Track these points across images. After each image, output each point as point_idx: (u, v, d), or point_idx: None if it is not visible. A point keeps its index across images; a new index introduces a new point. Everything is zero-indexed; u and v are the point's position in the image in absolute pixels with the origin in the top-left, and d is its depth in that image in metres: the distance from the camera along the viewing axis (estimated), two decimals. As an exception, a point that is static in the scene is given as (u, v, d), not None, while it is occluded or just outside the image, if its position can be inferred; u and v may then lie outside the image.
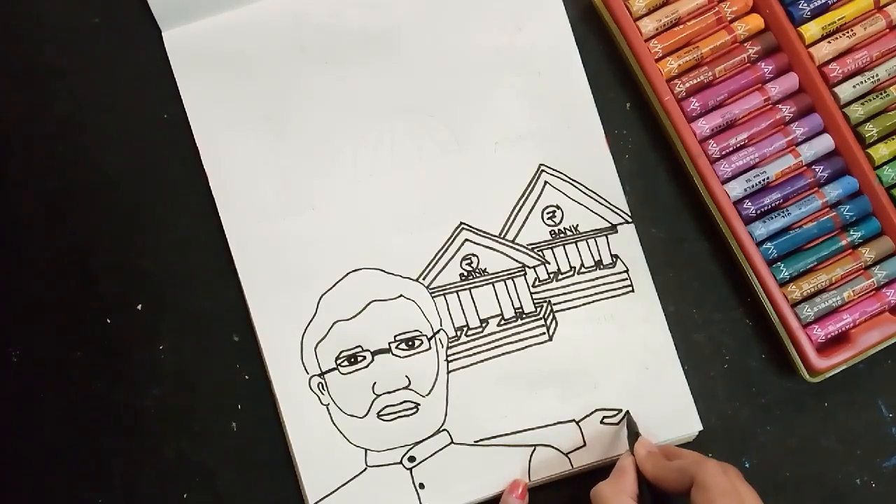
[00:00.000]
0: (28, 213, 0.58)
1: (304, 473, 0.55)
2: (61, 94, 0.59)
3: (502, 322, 0.57)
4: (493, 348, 0.57)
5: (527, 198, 0.58)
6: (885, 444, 0.57)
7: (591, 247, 0.58)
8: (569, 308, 0.57)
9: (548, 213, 0.58)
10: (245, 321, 0.57)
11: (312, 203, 0.58)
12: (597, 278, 0.58)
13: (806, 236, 0.56)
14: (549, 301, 0.57)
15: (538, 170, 0.58)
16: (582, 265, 0.58)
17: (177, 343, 0.57)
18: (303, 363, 0.56)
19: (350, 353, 0.56)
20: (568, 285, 0.58)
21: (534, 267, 0.58)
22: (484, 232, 0.58)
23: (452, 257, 0.57)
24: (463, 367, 0.56)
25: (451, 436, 0.56)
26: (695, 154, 0.56)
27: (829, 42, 0.57)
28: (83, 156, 0.58)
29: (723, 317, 0.58)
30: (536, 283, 0.57)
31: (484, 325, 0.57)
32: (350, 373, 0.56)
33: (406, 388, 0.56)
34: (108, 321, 0.57)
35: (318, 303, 0.57)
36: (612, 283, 0.57)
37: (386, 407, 0.56)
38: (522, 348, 0.57)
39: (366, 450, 0.56)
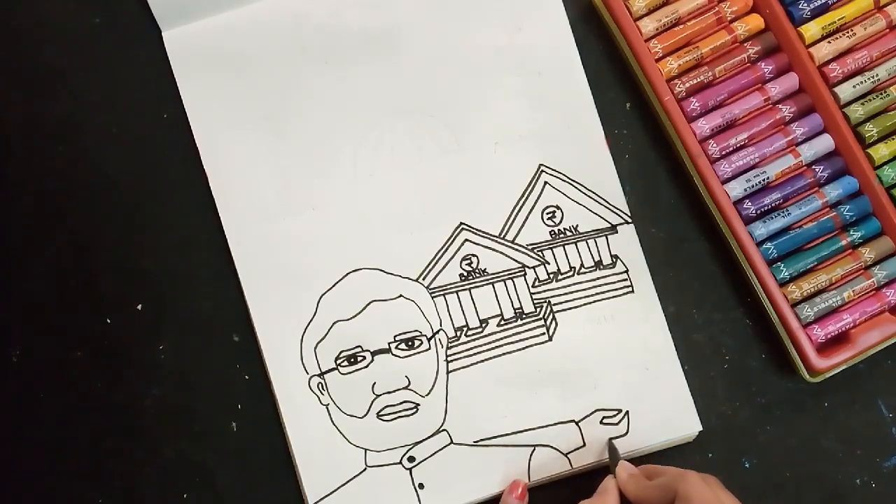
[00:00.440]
0: (28, 213, 0.58)
1: (303, 473, 0.55)
2: (61, 94, 0.59)
3: (502, 322, 0.57)
4: (492, 348, 0.57)
5: (527, 198, 0.58)
6: (885, 444, 0.57)
7: (591, 247, 0.58)
8: (569, 308, 0.57)
9: (548, 214, 0.58)
10: (245, 321, 0.57)
11: (312, 203, 0.58)
12: (597, 279, 0.58)
13: (806, 236, 0.56)
14: (549, 301, 0.57)
15: (538, 170, 0.58)
16: (582, 265, 0.58)
17: (177, 343, 0.57)
18: (302, 363, 0.56)
19: (350, 353, 0.56)
20: (568, 285, 0.58)
21: (534, 267, 0.58)
22: (484, 232, 0.58)
23: (452, 257, 0.57)
24: (463, 368, 0.56)
25: (450, 436, 0.56)
26: (695, 154, 0.56)
27: (829, 42, 0.57)
28: (83, 156, 0.58)
29: (723, 317, 0.58)
30: (536, 283, 0.57)
31: (484, 325, 0.57)
32: (350, 373, 0.56)
33: (406, 388, 0.56)
34: (108, 321, 0.57)
35: (318, 303, 0.57)
36: (611, 283, 0.57)
37: (386, 407, 0.56)
38: (522, 348, 0.57)
39: (365, 450, 0.56)
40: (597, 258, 0.58)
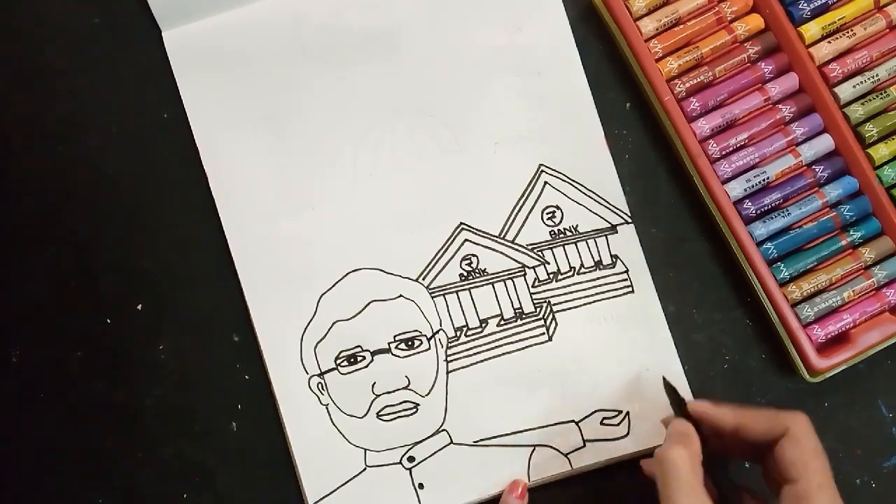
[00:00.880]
0: (28, 213, 0.58)
1: (303, 473, 0.55)
2: (61, 94, 0.59)
3: (502, 322, 0.57)
4: (492, 348, 0.57)
5: (527, 198, 0.58)
6: (885, 444, 0.57)
7: (591, 247, 0.58)
8: (569, 308, 0.57)
9: (547, 214, 0.58)
10: (245, 321, 0.57)
11: (312, 203, 0.58)
12: (597, 279, 0.58)
13: (806, 236, 0.56)
14: (549, 301, 0.57)
15: (538, 170, 0.58)
16: (582, 265, 0.58)
17: (177, 343, 0.57)
18: (302, 363, 0.56)
19: (350, 353, 0.56)
20: (568, 285, 0.58)
21: (533, 267, 0.58)
22: (484, 232, 0.58)
23: (452, 257, 0.57)
24: (462, 368, 0.56)
25: (450, 436, 0.56)
26: (695, 154, 0.56)
27: (829, 42, 0.57)
28: (83, 156, 0.58)
29: (723, 317, 0.58)
30: (536, 283, 0.57)
31: (484, 325, 0.57)
32: (349, 373, 0.56)
33: (405, 388, 0.56)
34: (108, 321, 0.57)
35: (318, 303, 0.57)
36: (611, 283, 0.57)
37: (385, 407, 0.56)
38: (522, 348, 0.57)
39: (365, 450, 0.56)
40: (597, 258, 0.58)
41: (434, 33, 0.59)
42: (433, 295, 0.57)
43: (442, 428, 0.56)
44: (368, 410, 0.56)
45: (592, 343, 0.57)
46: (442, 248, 0.57)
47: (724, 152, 0.57)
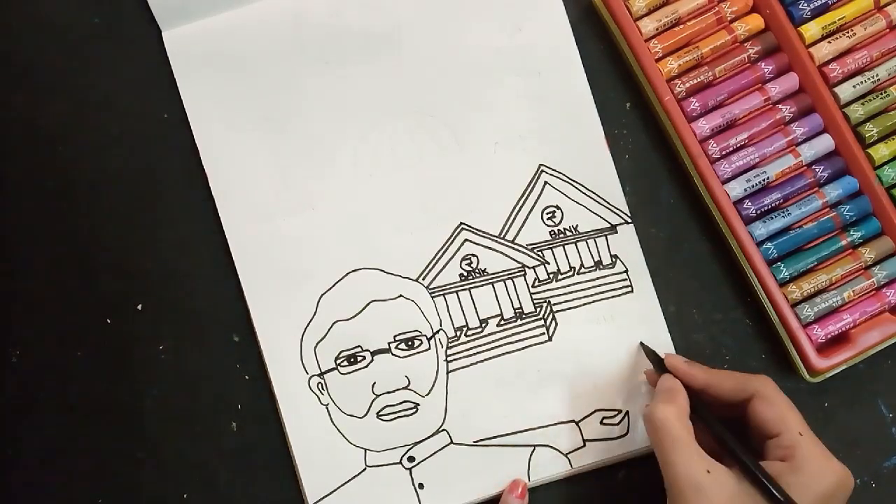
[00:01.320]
0: (28, 213, 0.58)
1: (303, 473, 0.55)
2: (61, 94, 0.59)
3: (502, 322, 0.57)
4: (492, 348, 0.57)
5: (527, 198, 0.58)
6: (885, 444, 0.57)
7: (591, 247, 0.58)
8: (569, 308, 0.57)
9: (547, 214, 0.58)
10: (245, 321, 0.57)
11: (312, 203, 0.58)
12: (596, 279, 0.58)
13: (806, 236, 0.56)
14: (549, 301, 0.57)
15: (538, 170, 0.58)
16: (581, 265, 0.58)
17: (177, 343, 0.57)
18: (302, 363, 0.56)
19: (349, 353, 0.56)
20: (568, 285, 0.58)
21: (533, 267, 0.58)
22: (484, 232, 0.58)
23: (452, 257, 0.57)
24: (462, 368, 0.56)
25: (450, 436, 0.56)
26: (695, 154, 0.56)
27: (829, 42, 0.57)
28: (83, 156, 0.58)
29: (723, 317, 0.58)
30: (536, 283, 0.57)
31: (484, 325, 0.57)
32: (349, 373, 0.56)
33: (405, 388, 0.56)
34: (108, 321, 0.57)
35: (318, 303, 0.57)
36: (611, 283, 0.57)
37: (385, 407, 0.56)
38: (522, 348, 0.57)
39: (365, 450, 0.56)
40: (597, 258, 0.58)
41: (434, 33, 0.59)
42: (433, 295, 0.57)
43: (442, 428, 0.56)
44: (368, 410, 0.56)
45: (592, 343, 0.57)
46: (442, 248, 0.57)
47: (724, 152, 0.57)
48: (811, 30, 0.57)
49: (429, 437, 0.56)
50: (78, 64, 0.59)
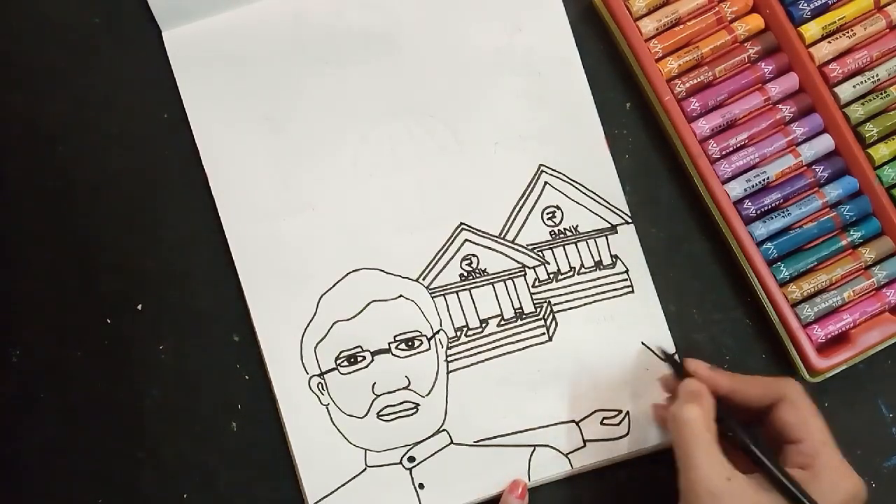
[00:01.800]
0: (28, 213, 0.58)
1: (303, 473, 0.55)
2: (61, 94, 0.59)
3: (502, 322, 0.57)
4: (493, 349, 0.57)
5: (527, 198, 0.58)
6: (885, 444, 0.57)
7: (591, 247, 0.58)
8: (569, 308, 0.57)
9: (548, 214, 0.58)
10: (245, 321, 0.57)
11: (312, 203, 0.58)
12: (597, 279, 0.58)
13: (806, 236, 0.56)
14: (549, 301, 0.57)
15: (538, 170, 0.58)
16: (582, 265, 0.58)
17: (177, 343, 0.57)
18: (302, 363, 0.56)
19: (350, 353, 0.56)
20: (568, 286, 0.58)
21: (534, 267, 0.58)
22: (484, 232, 0.58)
23: (452, 257, 0.57)
24: (463, 368, 0.56)
25: (450, 436, 0.56)
26: (695, 154, 0.56)
27: (830, 42, 0.57)
28: (83, 156, 0.58)
29: (723, 317, 0.58)
30: (536, 283, 0.57)
31: (484, 325, 0.57)
32: (350, 373, 0.56)
33: (406, 388, 0.56)
34: (108, 321, 0.57)
35: (318, 303, 0.57)
36: (611, 283, 0.57)
37: (386, 407, 0.56)
38: (522, 349, 0.57)
39: (365, 450, 0.56)
40: (597, 258, 0.58)
41: (434, 33, 0.59)
42: (433, 295, 0.57)
43: (442, 428, 0.56)
44: (369, 410, 0.56)
45: (592, 343, 0.57)
46: (442, 248, 0.57)
47: (724, 152, 0.57)
48: (811, 30, 0.57)
49: (429, 438, 0.56)
50: (78, 64, 0.59)
